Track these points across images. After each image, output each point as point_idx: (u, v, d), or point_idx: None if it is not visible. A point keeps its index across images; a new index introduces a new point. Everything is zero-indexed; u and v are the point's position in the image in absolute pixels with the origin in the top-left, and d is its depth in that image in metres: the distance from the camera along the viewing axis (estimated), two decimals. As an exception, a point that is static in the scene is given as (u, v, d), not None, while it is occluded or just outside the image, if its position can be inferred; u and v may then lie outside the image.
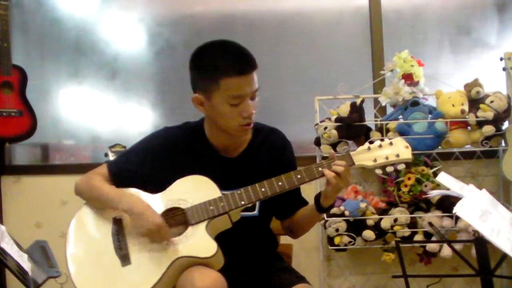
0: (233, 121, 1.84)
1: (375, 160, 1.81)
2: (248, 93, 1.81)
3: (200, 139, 1.95)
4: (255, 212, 1.94)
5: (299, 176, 1.81)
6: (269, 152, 1.98)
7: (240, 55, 1.82)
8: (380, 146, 1.82)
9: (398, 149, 1.81)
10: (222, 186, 1.83)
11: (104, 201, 1.86)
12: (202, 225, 1.78)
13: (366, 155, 1.82)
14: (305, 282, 1.86)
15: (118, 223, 1.83)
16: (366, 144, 1.84)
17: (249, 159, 1.95)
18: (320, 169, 1.80)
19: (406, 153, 1.82)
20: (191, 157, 1.92)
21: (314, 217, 1.97)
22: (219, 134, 1.91)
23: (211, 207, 1.79)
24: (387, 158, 1.81)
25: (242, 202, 1.80)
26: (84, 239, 1.86)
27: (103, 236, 1.82)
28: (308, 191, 2.03)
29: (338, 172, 1.77)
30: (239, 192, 1.81)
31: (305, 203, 2.04)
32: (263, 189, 1.80)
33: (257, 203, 1.92)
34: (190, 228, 1.78)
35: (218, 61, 1.80)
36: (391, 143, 1.82)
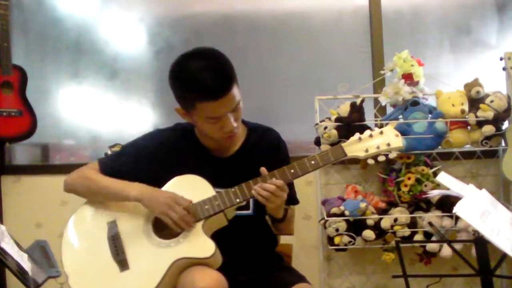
0: (215, 134, 1.86)
1: (366, 151, 1.80)
2: (226, 113, 1.80)
3: (192, 140, 1.95)
4: (250, 211, 1.94)
5: (292, 171, 1.80)
6: (263, 151, 1.98)
7: (213, 78, 1.76)
8: (371, 136, 1.82)
9: (388, 138, 1.81)
10: (215, 186, 1.84)
11: (108, 193, 1.86)
12: (199, 225, 1.78)
13: (357, 146, 1.81)
14: (305, 282, 1.86)
15: (113, 228, 1.82)
16: (357, 135, 1.83)
17: (243, 159, 1.96)
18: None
19: (397, 142, 1.81)
20: (184, 158, 1.93)
21: (281, 224, 1.99)
22: (208, 137, 1.92)
23: (206, 206, 1.79)
24: (378, 147, 1.80)
25: (237, 200, 1.80)
26: (79, 248, 1.85)
27: (98, 243, 1.81)
28: (307, 191, 2.03)
29: (271, 191, 1.76)
30: (233, 189, 1.81)
31: (295, 202, 2.04)
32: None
33: (251, 202, 1.92)
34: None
35: (192, 86, 1.79)
36: (381, 132, 1.82)
